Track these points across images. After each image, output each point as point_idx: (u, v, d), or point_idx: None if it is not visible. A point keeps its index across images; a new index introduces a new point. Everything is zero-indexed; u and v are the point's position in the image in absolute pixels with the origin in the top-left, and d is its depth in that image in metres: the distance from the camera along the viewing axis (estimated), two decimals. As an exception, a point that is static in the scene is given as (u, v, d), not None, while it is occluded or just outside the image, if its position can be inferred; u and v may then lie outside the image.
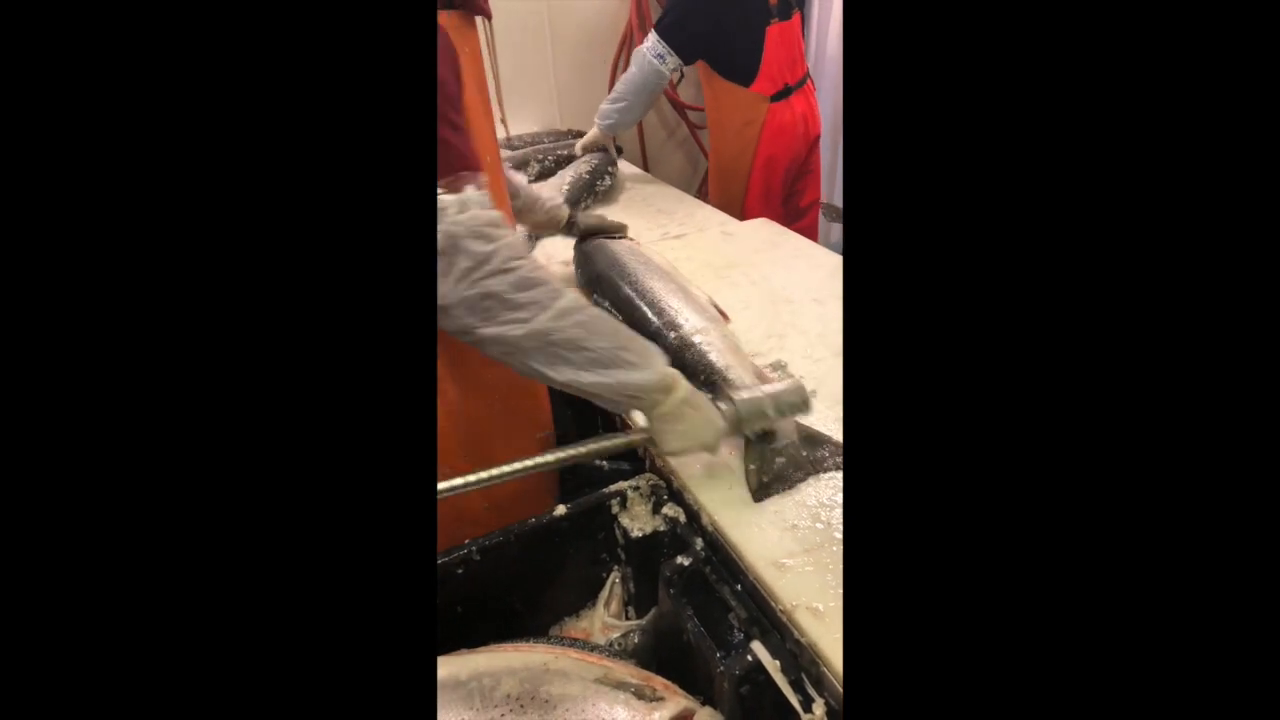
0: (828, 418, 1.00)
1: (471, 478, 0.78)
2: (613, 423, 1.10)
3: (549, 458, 0.83)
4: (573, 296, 0.78)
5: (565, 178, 1.92)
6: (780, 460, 0.90)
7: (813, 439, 0.94)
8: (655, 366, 0.82)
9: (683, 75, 2.00)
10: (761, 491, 0.87)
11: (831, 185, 2.95)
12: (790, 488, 0.88)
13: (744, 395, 0.89)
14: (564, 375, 0.77)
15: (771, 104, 2.04)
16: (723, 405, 0.88)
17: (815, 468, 0.91)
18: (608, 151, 2.05)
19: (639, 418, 0.88)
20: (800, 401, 0.92)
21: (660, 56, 1.90)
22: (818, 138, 2.23)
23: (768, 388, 0.92)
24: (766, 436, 0.91)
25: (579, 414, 1.28)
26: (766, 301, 1.34)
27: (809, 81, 2.17)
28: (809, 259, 1.52)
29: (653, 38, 1.91)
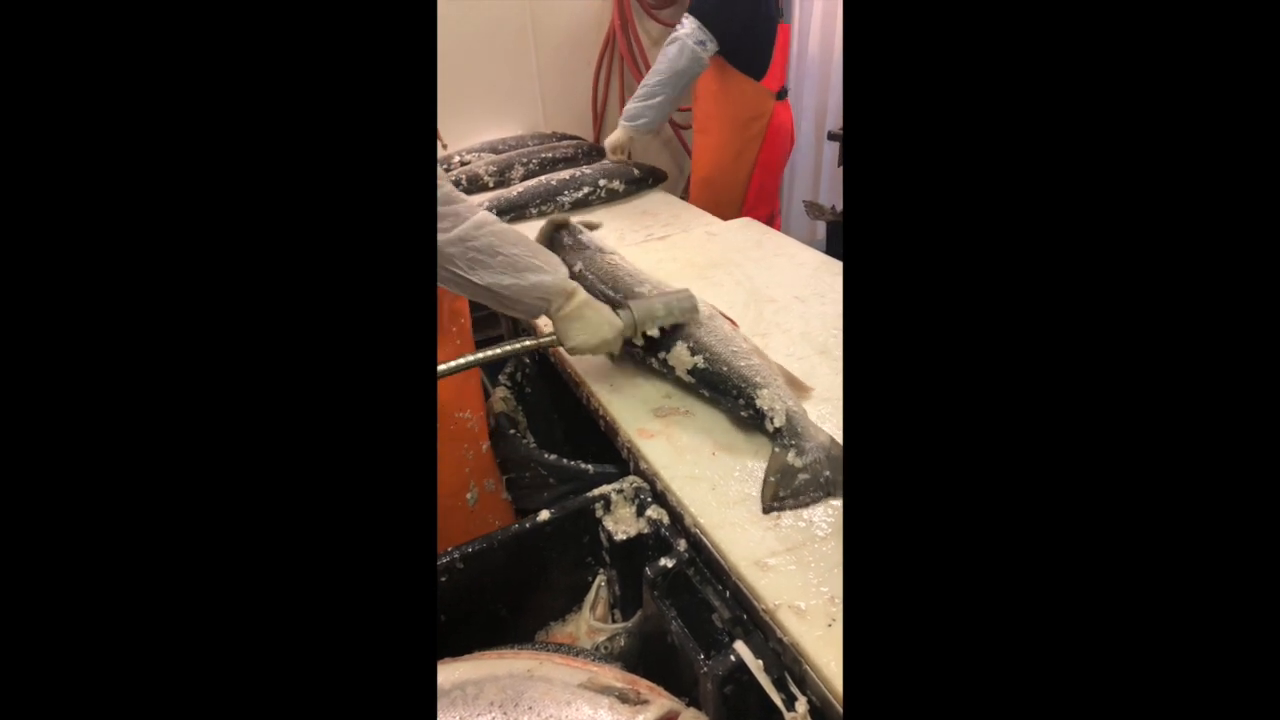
0: (811, 415, 1.00)
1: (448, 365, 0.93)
2: (601, 435, 1.10)
3: (476, 356, 0.96)
4: (485, 213, 0.89)
5: (529, 184, 1.88)
6: (803, 477, 0.87)
7: (840, 462, 0.89)
8: (559, 271, 0.96)
9: None
10: (774, 504, 0.85)
11: (817, 184, 2.96)
12: (803, 506, 0.86)
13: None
14: (483, 279, 0.89)
15: (775, 101, 2.02)
16: (621, 311, 1.01)
17: (837, 490, 0.87)
18: (627, 158, 1.98)
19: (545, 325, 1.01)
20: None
21: (702, 43, 1.82)
22: (791, 149, 2.21)
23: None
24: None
25: (569, 429, 1.28)
26: (750, 301, 1.34)
27: (787, 95, 2.16)
28: (791, 257, 1.52)
29: (692, 23, 1.82)
